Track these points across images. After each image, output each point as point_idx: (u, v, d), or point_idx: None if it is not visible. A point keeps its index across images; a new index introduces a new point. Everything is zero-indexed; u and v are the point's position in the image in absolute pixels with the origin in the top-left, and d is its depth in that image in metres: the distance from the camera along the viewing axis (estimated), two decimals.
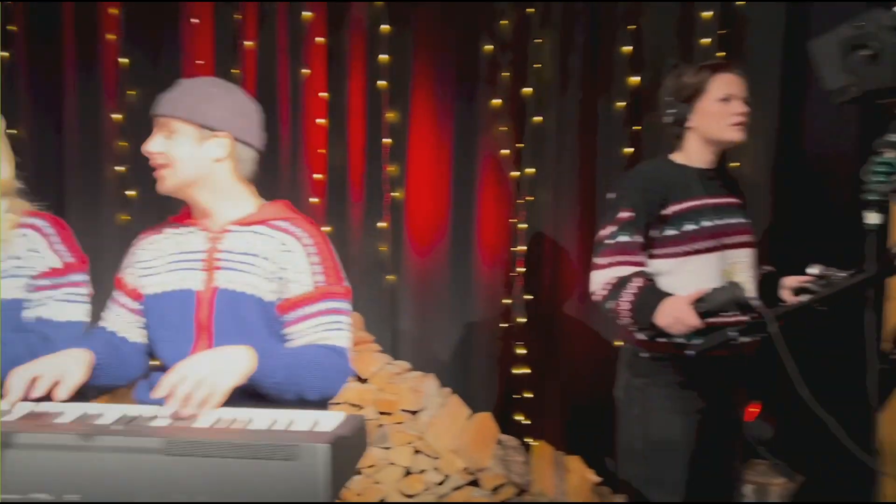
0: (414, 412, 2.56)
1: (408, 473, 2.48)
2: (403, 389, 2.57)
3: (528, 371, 2.88)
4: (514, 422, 2.86)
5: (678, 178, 1.80)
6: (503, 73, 2.85)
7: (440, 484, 2.47)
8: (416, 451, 2.50)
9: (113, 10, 2.92)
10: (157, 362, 1.51)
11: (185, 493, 1.02)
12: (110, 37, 2.92)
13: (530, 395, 2.88)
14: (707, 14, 2.64)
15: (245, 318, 1.44)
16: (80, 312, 1.54)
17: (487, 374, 2.89)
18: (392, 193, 2.93)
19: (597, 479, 2.59)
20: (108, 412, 1.25)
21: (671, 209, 1.77)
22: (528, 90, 2.84)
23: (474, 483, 2.47)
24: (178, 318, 1.46)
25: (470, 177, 2.92)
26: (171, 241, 1.52)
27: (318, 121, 2.92)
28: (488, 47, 2.85)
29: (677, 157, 1.85)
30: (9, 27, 2.87)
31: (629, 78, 2.74)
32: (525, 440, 2.83)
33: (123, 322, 1.55)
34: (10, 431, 1.03)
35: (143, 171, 2.90)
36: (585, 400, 2.72)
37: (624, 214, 1.77)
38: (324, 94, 2.93)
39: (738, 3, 2.63)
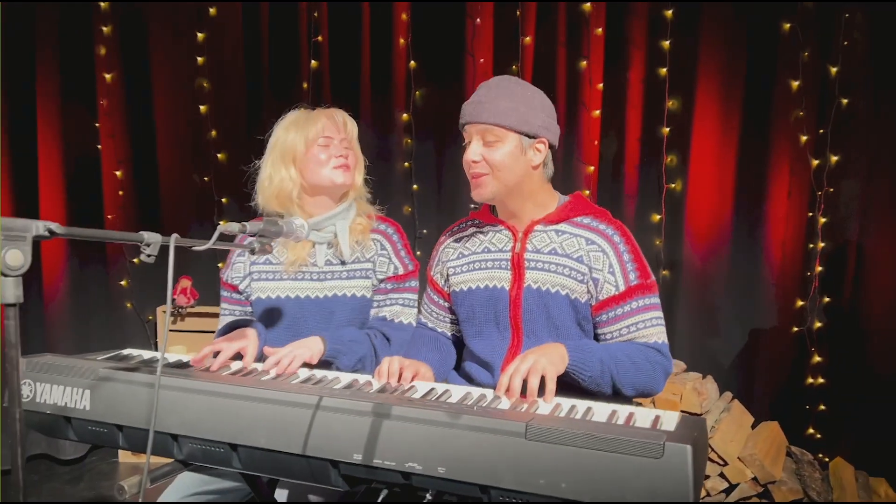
0: (697, 415, 2.42)
1: None
2: (686, 391, 2.43)
3: (824, 382, 2.57)
4: (807, 436, 2.59)
5: None
6: (804, 53, 2.56)
7: (725, 492, 2.30)
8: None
9: (403, 16, 3.13)
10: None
11: (545, 478, 1.03)
12: (402, 41, 3.14)
13: (824, 408, 2.58)
14: None
15: (554, 316, 1.44)
16: (412, 317, 1.66)
17: (774, 382, 2.65)
18: (670, 185, 2.80)
19: None
20: (454, 392, 1.31)
21: None
22: (834, 68, 2.52)
23: (765, 494, 2.27)
24: (490, 313, 1.50)
25: (761, 166, 2.69)
26: (477, 240, 1.56)
27: (594, 112, 2.87)
28: (787, 24, 2.58)
29: None
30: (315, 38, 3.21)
31: None
32: (819, 456, 2.54)
33: (437, 318, 1.64)
34: (386, 404, 1.12)
35: (423, 167, 3.13)
36: (892, 416, 2.37)
37: None
38: (600, 86, 2.88)
39: None
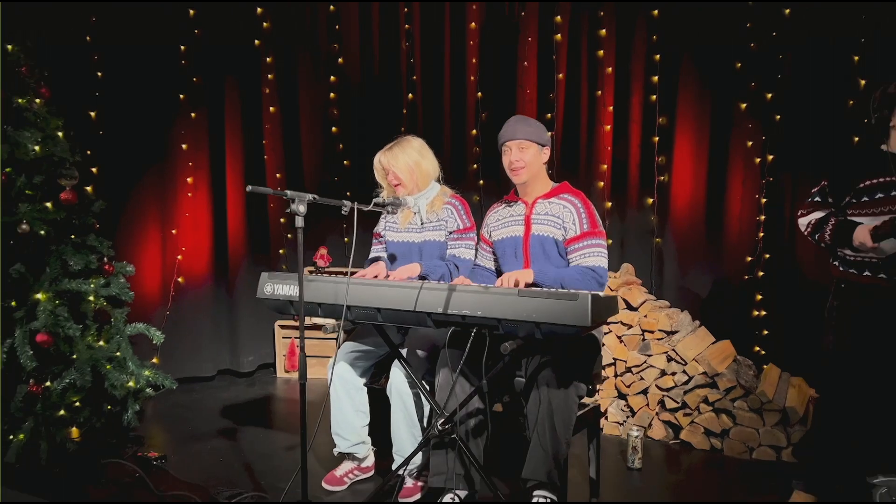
0: (669, 333, 3.46)
1: (663, 374, 3.41)
2: (661, 316, 3.48)
3: (765, 313, 3.56)
4: (754, 353, 3.58)
5: (879, 163, 2.40)
6: (751, 84, 3.55)
7: (686, 383, 3.34)
8: (669, 359, 3.40)
9: (473, 60, 4.29)
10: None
11: (526, 314, 2.16)
12: (472, 78, 4.29)
13: (766, 333, 3.56)
14: None
15: (548, 250, 2.57)
16: (470, 255, 2.81)
17: (731, 314, 3.65)
18: (660, 177, 3.83)
19: (815, 394, 3.20)
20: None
21: (865, 183, 2.41)
22: (769, 94, 3.51)
23: (712, 385, 3.29)
24: (511, 251, 2.64)
25: (723, 163, 3.69)
26: (506, 210, 2.71)
27: (606, 127, 3.94)
28: (739, 63, 3.57)
29: (885, 146, 2.45)
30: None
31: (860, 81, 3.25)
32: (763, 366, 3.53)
33: (484, 258, 2.79)
34: (453, 286, 2.29)
35: (487, 167, 4.27)
36: (812, 335, 3.32)
37: (823, 183, 2.51)
38: (611, 108, 3.94)
39: None
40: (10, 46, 2.56)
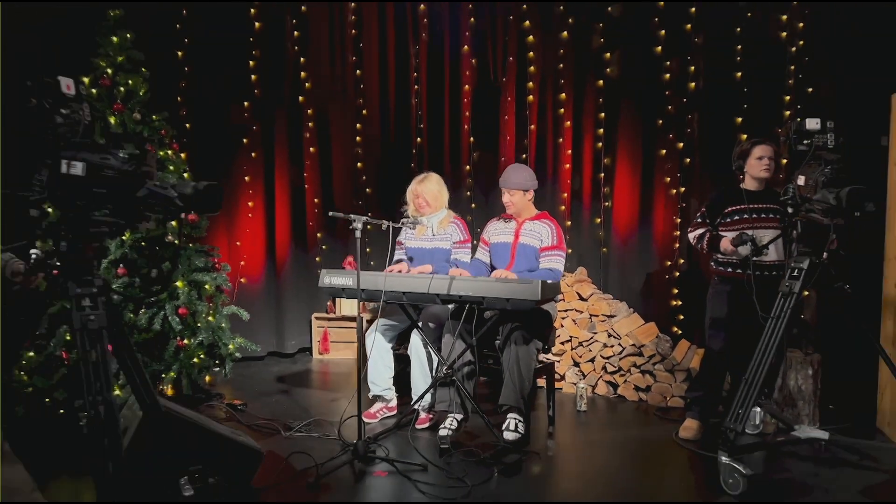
0: (609, 316, 4.66)
1: (605, 346, 4.59)
2: (604, 304, 4.68)
3: (681, 303, 4.77)
4: (673, 332, 4.77)
5: (736, 195, 3.63)
6: (669, 135, 4.79)
7: (621, 353, 4.53)
8: (609, 335, 4.59)
9: (467, 113, 5.51)
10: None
11: (504, 295, 3.37)
12: (466, 126, 5.52)
13: (681, 318, 4.77)
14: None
15: (528, 253, 3.77)
16: (468, 258, 4.00)
17: (656, 303, 4.85)
18: (605, 203, 5.05)
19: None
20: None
21: (729, 208, 3.63)
22: (680, 143, 4.74)
23: (639, 354, 4.48)
24: (503, 252, 3.84)
25: (651, 191, 4.90)
26: (502, 223, 3.92)
27: (566, 166, 5.16)
28: (659, 122, 4.81)
29: (742, 185, 3.67)
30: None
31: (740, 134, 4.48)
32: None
33: (482, 255, 3.99)
34: (455, 277, 3.51)
35: (477, 195, 5.49)
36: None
37: (703, 209, 3.72)
38: (569, 152, 5.16)
39: None
40: (154, 116, 3.76)
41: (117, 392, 3.33)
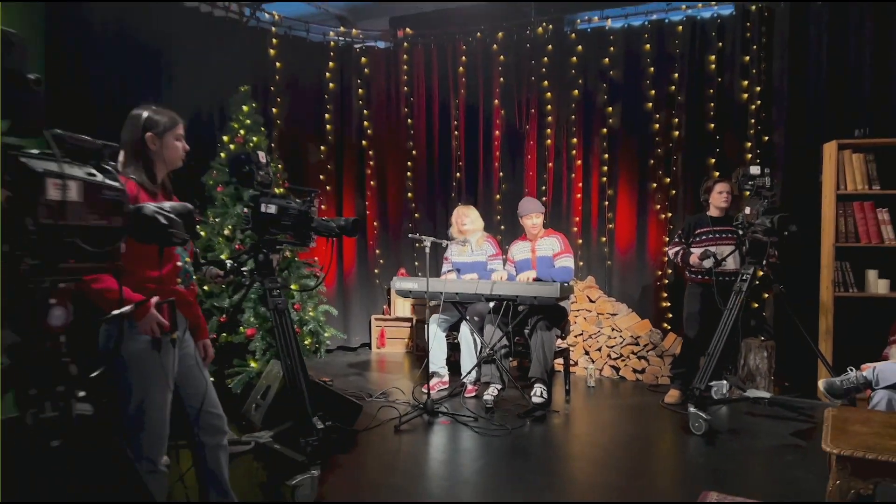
0: (613, 315, 5.79)
1: (609, 338, 5.71)
2: (608, 305, 5.82)
3: (669, 304, 5.89)
4: (663, 327, 5.89)
5: (704, 220, 4.79)
6: (659, 172, 5.94)
7: (622, 343, 5.65)
8: (613, 329, 5.72)
9: (497, 154, 6.70)
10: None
11: (531, 293, 4.55)
12: (496, 164, 6.71)
13: (670, 316, 5.89)
14: None
15: (546, 263, 4.95)
16: (500, 269, 5.18)
17: (650, 304, 5.98)
18: (609, 226, 6.20)
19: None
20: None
21: (698, 230, 4.79)
22: (666, 179, 5.89)
23: (636, 344, 5.60)
24: (526, 267, 5.03)
25: (646, 215, 6.04)
26: (522, 244, 5.12)
27: (577, 195, 6.32)
28: (649, 160, 5.97)
29: (707, 212, 4.83)
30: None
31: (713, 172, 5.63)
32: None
33: (511, 270, 5.17)
34: (496, 282, 4.69)
35: (507, 218, 6.67)
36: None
37: (679, 231, 4.89)
38: (580, 184, 6.32)
39: None
40: (255, 138, 4.99)
41: (253, 364, 4.53)
